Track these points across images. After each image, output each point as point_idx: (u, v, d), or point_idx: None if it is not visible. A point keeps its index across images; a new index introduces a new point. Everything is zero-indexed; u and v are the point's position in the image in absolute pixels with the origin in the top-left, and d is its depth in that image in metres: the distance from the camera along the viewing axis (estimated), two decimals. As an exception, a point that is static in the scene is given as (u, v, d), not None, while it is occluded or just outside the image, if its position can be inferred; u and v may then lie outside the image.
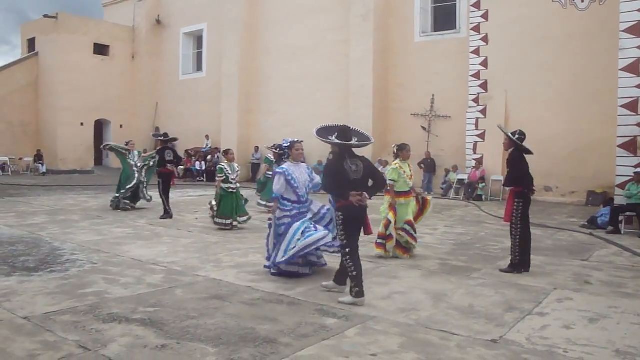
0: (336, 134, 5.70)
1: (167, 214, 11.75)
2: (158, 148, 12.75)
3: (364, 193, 5.49)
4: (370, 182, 5.71)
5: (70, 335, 4.40)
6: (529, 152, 7.19)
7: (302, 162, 6.93)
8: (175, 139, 12.96)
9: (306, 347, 4.25)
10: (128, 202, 13.07)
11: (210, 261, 7.49)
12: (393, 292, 5.94)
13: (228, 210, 10.29)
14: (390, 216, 7.74)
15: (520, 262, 7.07)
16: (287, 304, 5.45)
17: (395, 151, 8.15)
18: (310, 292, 5.89)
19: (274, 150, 10.08)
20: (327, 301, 5.54)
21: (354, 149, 5.73)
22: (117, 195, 13.10)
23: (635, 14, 11.79)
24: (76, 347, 4.16)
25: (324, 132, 5.84)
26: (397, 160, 8.02)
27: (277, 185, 6.51)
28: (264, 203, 12.41)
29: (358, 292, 5.43)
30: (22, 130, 26.86)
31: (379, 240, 7.85)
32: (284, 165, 6.71)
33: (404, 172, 7.94)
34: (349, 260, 5.48)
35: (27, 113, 26.95)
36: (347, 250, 5.50)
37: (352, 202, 5.42)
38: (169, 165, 12.03)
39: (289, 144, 6.93)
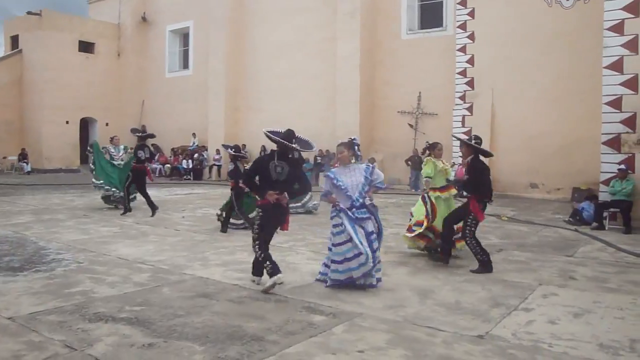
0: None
1: (126, 209, 12.09)
2: (136, 145, 12.64)
3: (285, 194, 5.79)
4: (297, 185, 6.08)
5: (55, 335, 4.37)
6: (490, 155, 7.28)
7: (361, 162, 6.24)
8: (152, 135, 12.93)
9: (293, 344, 4.25)
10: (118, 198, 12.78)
11: (197, 259, 7.47)
12: (380, 289, 5.95)
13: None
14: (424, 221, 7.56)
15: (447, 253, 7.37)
16: (274, 302, 5.45)
17: (427, 150, 8.09)
18: (297, 290, 5.89)
19: (229, 150, 10.21)
20: (314, 298, 5.55)
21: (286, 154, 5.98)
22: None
23: (619, 12, 11.89)
24: (62, 347, 4.13)
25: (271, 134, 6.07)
26: (430, 158, 7.89)
27: (325, 187, 6.25)
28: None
29: (273, 268, 5.69)
30: (6, 129, 26.55)
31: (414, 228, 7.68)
32: (333, 169, 6.30)
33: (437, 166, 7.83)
34: (256, 247, 5.83)
35: (10, 111, 26.65)
36: (257, 241, 5.83)
37: (269, 201, 5.74)
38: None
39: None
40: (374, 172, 6.07)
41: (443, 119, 18.58)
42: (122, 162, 13.07)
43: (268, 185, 5.79)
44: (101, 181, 12.81)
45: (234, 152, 10.12)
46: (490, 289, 6.02)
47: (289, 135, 5.95)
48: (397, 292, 5.88)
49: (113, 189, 12.76)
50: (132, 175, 11.94)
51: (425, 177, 7.78)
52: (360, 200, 5.93)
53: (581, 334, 4.59)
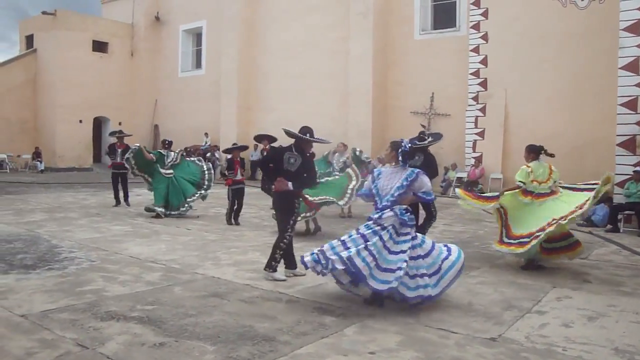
0: (308, 134, 6.45)
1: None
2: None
3: (285, 180, 6.22)
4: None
5: (67, 333, 4.38)
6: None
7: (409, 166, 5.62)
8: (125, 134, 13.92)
9: (305, 345, 4.24)
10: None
11: (209, 259, 7.48)
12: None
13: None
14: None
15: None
16: (285, 302, 5.43)
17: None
18: (309, 290, 5.88)
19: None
20: (325, 299, 5.53)
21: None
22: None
23: (635, 12, 11.78)
24: (74, 345, 4.14)
25: (289, 132, 6.48)
26: (531, 163, 7.64)
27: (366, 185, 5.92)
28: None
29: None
30: (20, 128, 26.78)
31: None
32: (382, 168, 5.87)
33: (532, 173, 7.52)
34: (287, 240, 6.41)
35: (25, 110, 26.87)
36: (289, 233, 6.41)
37: (276, 188, 6.29)
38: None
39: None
40: (418, 179, 5.42)
41: (456, 120, 18.48)
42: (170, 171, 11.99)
43: (276, 173, 6.36)
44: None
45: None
46: (503, 292, 5.97)
47: (307, 130, 6.45)
48: (409, 293, 5.84)
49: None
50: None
51: (518, 180, 7.57)
52: (386, 204, 5.38)
53: (596, 337, 4.54)
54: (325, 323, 4.79)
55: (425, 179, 5.48)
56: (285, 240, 6.35)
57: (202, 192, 12.11)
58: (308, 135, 6.42)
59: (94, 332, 4.43)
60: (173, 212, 11.64)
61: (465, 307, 5.37)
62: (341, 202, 9.69)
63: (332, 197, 9.49)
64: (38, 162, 25.91)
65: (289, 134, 6.44)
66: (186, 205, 11.79)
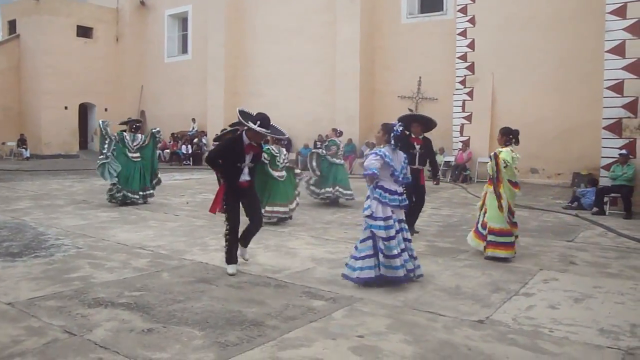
0: (258, 122, 5.74)
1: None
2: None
3: None
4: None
5: (55, 321, 4.36)
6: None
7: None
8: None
9: (293, 329, 4.24)
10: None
11: (197, 244, 7.46)
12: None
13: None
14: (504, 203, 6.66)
15: None
16: (274, 287, 5.44)
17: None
18: (297, 275, 5.88)
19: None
20: (314, 283, 5.54)
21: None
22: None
23: (621, -5, 11.79)
24: (61, 332, 4.12)
25: (244, 115, 5.89)
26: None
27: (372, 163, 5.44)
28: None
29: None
30: (4, 115, 26.41)
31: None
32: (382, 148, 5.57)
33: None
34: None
35: (9, 97, 26.50)
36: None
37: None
38: None
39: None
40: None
41: (443, 104, 18.49)
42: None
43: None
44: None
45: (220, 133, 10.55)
46: (490, 274, 6.01)
47: (265, 119, 5.79)
48: (397, 277, 5.86)
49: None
50: None
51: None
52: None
53: (582, 319, 4.59)
54: (314, 307, 4.80)
55: (370, 156, 5.50)
56: (225, 230, 6.09)
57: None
58: (258, 123, 5.72)
59: (81, 319, 4.40)
60: (135, 197, 11.22)
61: (453, 290, 5.40)
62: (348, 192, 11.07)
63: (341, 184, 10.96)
64: (23, 149, 25.65)
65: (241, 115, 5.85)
66: (149, 190, 11.58)
